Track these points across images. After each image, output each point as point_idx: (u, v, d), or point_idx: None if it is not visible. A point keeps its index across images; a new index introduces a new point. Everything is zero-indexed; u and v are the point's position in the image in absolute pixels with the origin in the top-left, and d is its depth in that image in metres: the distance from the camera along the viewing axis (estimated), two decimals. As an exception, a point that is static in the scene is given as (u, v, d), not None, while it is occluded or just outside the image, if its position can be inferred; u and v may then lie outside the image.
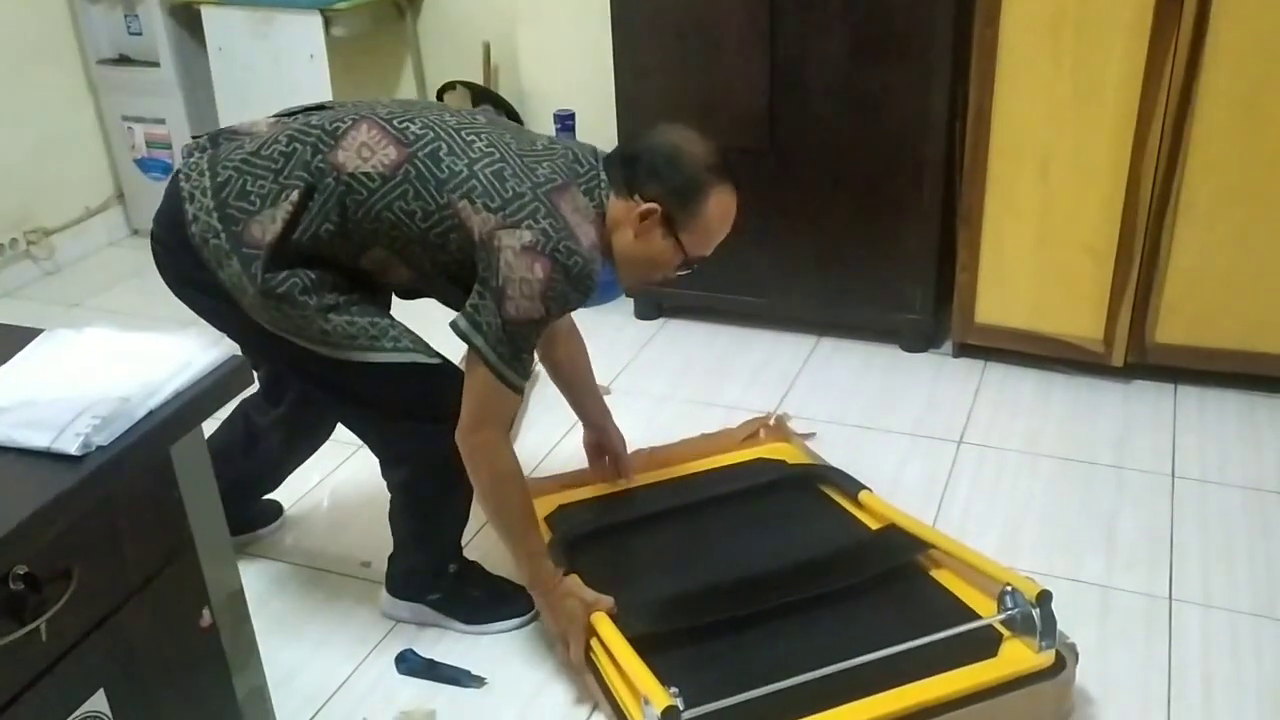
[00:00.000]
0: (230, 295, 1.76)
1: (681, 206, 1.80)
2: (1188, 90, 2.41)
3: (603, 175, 1.82)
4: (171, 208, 1.79)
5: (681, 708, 1.60)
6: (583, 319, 3.22)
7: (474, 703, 1.91)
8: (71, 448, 1.03)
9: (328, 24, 3.32)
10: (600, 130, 3.19)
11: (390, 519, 2.05)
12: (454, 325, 1.75)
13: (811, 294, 2.99)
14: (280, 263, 1.73)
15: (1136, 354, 2.70)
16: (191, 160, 1.80)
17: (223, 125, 3.49)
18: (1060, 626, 1.79)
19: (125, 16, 3.61)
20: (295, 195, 1.71)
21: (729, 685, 1.69)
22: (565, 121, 3.26)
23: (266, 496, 2.35)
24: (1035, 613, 1.77)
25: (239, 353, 1.21)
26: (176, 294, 1.87)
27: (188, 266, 1.78)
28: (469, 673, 1.96)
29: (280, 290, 1.73)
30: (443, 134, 1.74)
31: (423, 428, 1.85)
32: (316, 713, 1.90)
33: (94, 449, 1.04)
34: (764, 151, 2.85)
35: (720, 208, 1.84)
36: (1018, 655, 1.78)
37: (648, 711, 1.63)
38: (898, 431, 2.64)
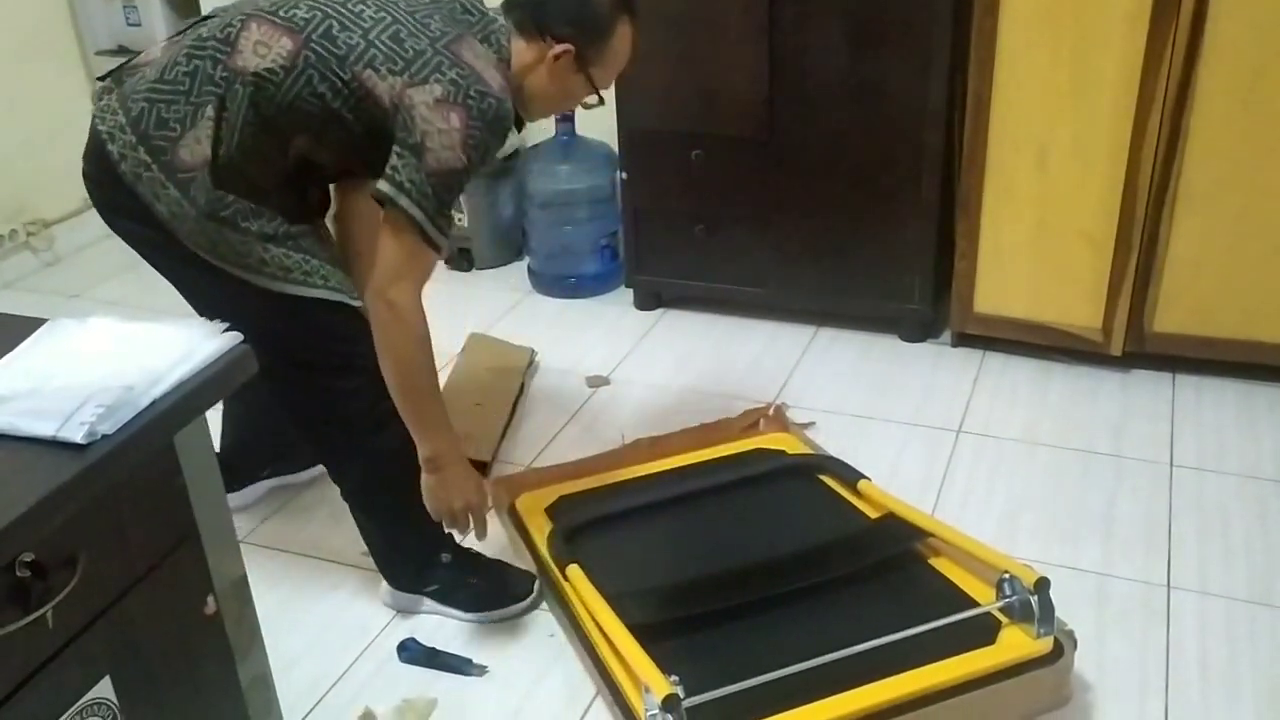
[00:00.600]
0: (167, 226, 1.78)
1: (591, 44, 1.86)
2: (1186, 78, 2.41)
3: (499, 21, 1.86)
4: (96, 149, 1.81)
5: (682, 695, 1.61)
6: (582, 309, 3.25)
7: (475, 691, 1.92)
8: (77, 436, 1.03)
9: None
10: (600, 121, 3.18)
11: (361, 531, 2.07)
12: (375, 191, 1.75)
13: (810, 284, 3.00)
14: (219, 183, 1.75)
15: (1135, 343, 2.70)
16: (103, 103, 1.82)
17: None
18: (1058, 613, 1.80)
19: (124, 7, 3.61)
20: (210, 110, 1.73)
21: (729, 673, 1.69)
22: (564, 114, 3.25)
23: None
24: (1033, 600, 1.78)
25: (242, 341, 1.21)
26: (110, 226, 1.88)
27: (122, 198, 1.80)
28: (470, 661, 1.97)
29: (224, 214, 1.76)
30: (330, 11, 1.76)
31: (363, 433, 1.89)
32: (319, 701, 1.91)
33: (99, 437, 1.05)
34: (763, 141, 2.86)
35: (625, 41, 1.90)
36: (1016, 642, 1.79)
37: (648, 699, 1.63)
38: (896, 421, 2.65)
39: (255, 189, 1.78)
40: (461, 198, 3.37)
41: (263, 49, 1.74)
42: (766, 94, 2.80)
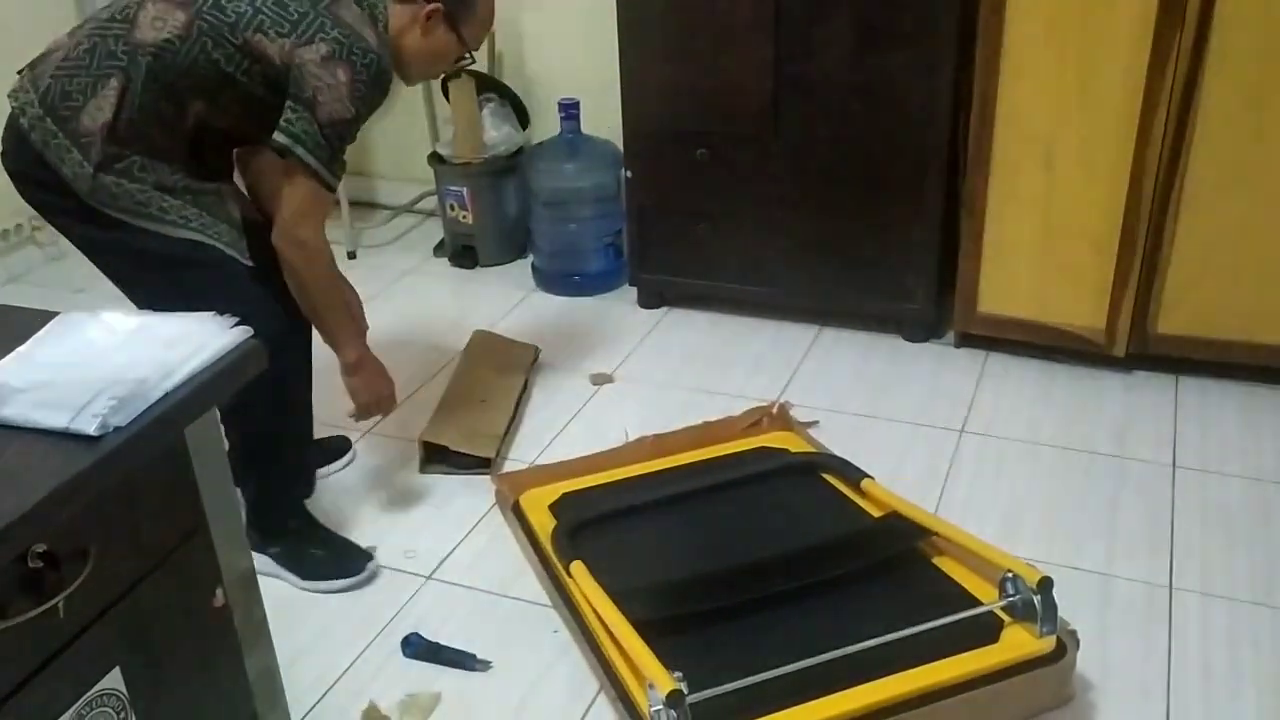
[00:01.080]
0: (72, 186, 1.90)
1: (459, 4, 2.07)
2: (1192, 80, 2.42)
3: None
4: (10, 124, 1.96)
5: (686, 691, 1.62)
6: (586, 307, 3.25)
7: (479, 686, 1.93)
8: (89, 428, 1.04)
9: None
10: (605, 118, 3.20)
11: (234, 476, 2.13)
12: (272, 142, 1.93)
13: (814, 283, 3.00)
14: (118, 142, 1.89)
15: (1138, 344, 2.71)
16: (17, 86, 1.97)
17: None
18: (1061, 613, 1.80)
19: (130, 2, 3.62)
20: (114, 81, 1.88)
21: (733, 670, 1.70)
22: (569, 110, 3.26)
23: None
24: (1036, 599, 1.78)
25: (254, 335, 1.22)
26: (26, 198, 2.00)
27: (33, 168, 1.93)
28: (474, 656, 1.97)
29: (119, 166, 1.90)
30: None
31: (246, 405, 1.90)
32: (323, 695, 1.92)
33: (111, 430, 1.05)
34: (768, 140, 2.86)
35: (490, 2, 2.15)
36: (1018, 641, 1.80)
37: (652, 695, 1.64)
38: (900, 420, 2.65)
39: (154, 149, 1.93)
40: (466, 195, 3.41)
41: (159, 23, 1.89)
42: (772, 93, 2.80)
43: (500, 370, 2.81)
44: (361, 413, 2.26)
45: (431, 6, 2.05)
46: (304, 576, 2.16)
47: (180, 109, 1.93)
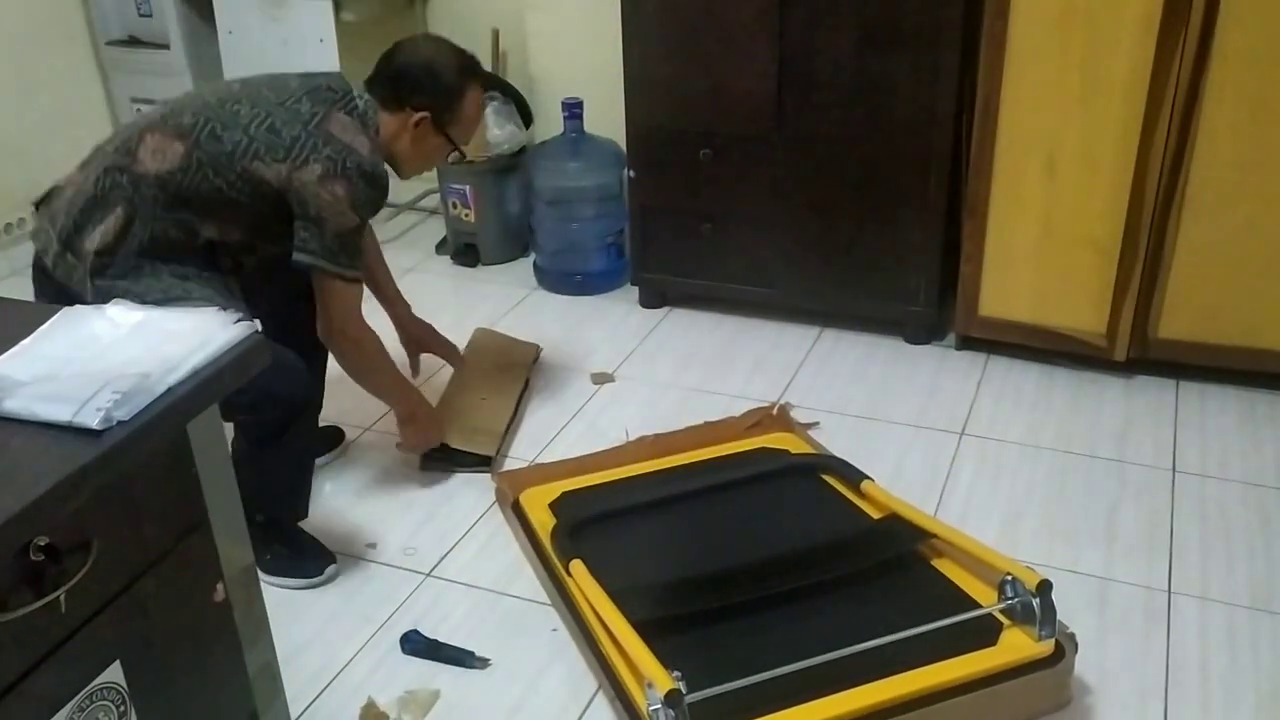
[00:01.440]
0: (89, 299, 1.94)
1: (446, 109, 2.19)
2: (1195, 86, 2.42)
3: (361, 96, 2.14)
4: (35, 264, 2.08)
5: (684, 691, 1.62)
6: (588, 306, 3.26)
7: (477, 684, 1.93)
8: (93, 422, 1.04)
9: (338, 8, 3.33)
10: (608, 118, 3.20)
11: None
12: (294, 262, 2.05)
13: (816, 284, 3.01)
14: (133, 257, 1.98)
15: (1139, 349, 2.71)
16: (36, 227, 2.09)
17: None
18: (1060, 616, 1.80)
19: (135, -2, 3.62)
20: (120, 210, 1.97)
21: (731, 670, 1.70)
22: (573, 110, 3.26)
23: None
24: (1035, 602, 1.79)
25: (257, 329, 1.22)
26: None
27: (60, 299, 1.97)
28: (473, 654, 1.98)
29: (138, 269, 1.98)
30: (211, 115, 2.02)
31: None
32: (322, 691, 1.92)
33: (114, 424, 1.05)
34: (771, 141, 2.86)
35: (475, 103, 2.24)
36: (1017, 644, 1.80)
37: (650, 695, 1.64)
38: (900, 422, 2.65)
39: (165, 261, 2.01)
40: (469, 193, 3.41)
41: (159, 155, 1.99)
42: (775, 94, 2.80)
43: (501, 368, 2.81)
44: (408, 450, 2.47)
45: (419, 115, 2.16)
46: (263, 571, 2.10)
47: (189, 232, 2.02)
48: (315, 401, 2.28)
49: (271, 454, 2.07)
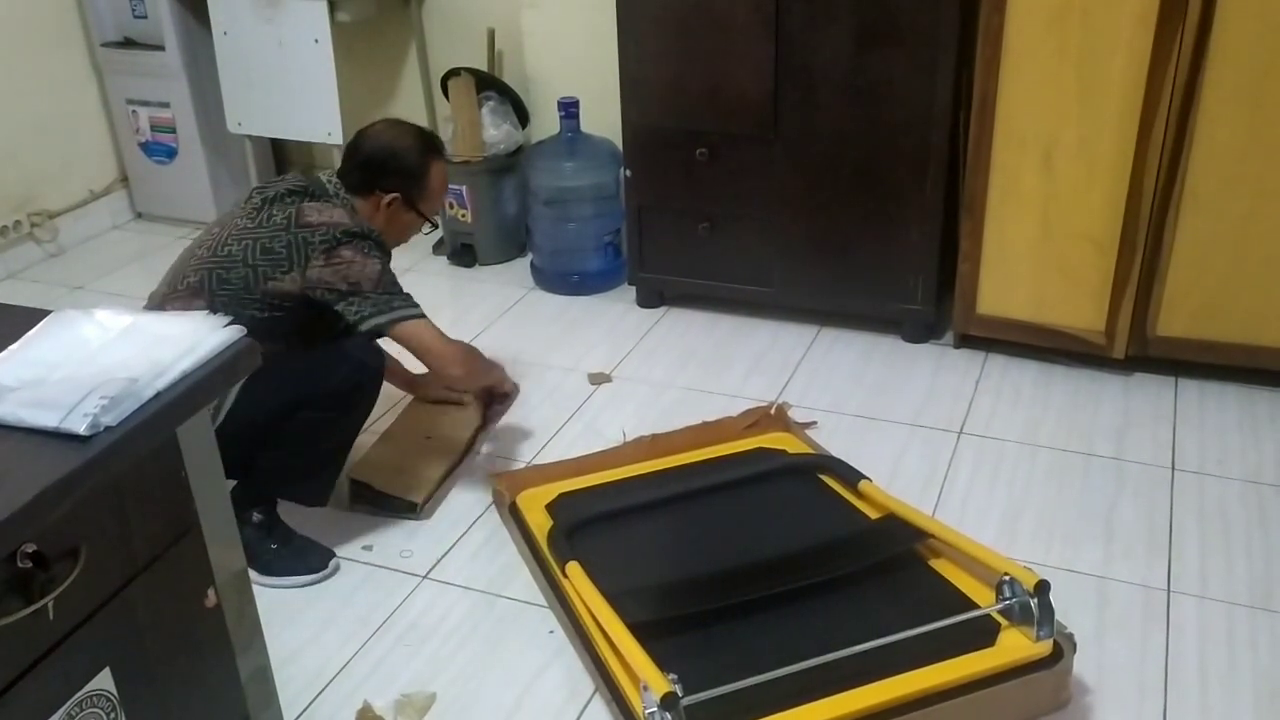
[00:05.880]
0: None
1: (413, 188, 2.31)
2: (1192, 82, 2.41)
3: (330, 180, 2.28)
4: None
5: (680, 694, 1.61)
6: (585, 306, 3.25)
7: (474, 686, 1.93)
8: (80, 427, 1.04)
9: (333, 9, 3.32)
10: (605, 117, 3.19)
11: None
12: (358, 331, 2.14)
13: (813, 283, 3.00)
14: None
15: (1138, 346, 2.70)
16: None
17: (226, 110, 3.50)
18: (1058, 616, 1.80)
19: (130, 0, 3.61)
20: None
21: (727, 672, 1.70)
22: (569, 109, 3.25)
23: None
24: (1033, 602, 1.78)
25: (246, 334, 1.21)
26: None
27: None
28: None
29: None
30: (209, 264, 2.14)
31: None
32: (318, 695, 1.92)
33: (102, 429, 1.05)
34: (768, 140, 2.85)
35: (440, 176, 2.36)
36: (1015, 644, 1.79)
37: (646, 697, 1.64)
38: (898, 421, 2.64)
39: None
40: (466, 193, 3.40)
41: (187, 314, 1.99)
42: (772, 92, 2.79)
43: (453, 418, 2.62)
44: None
45: (390, 197, 2.28)
46: (261, 571, 2.15)
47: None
48: (379, 369, 2.27)
49: (332, 427, 2.15)
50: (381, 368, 2.22)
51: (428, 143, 2.35)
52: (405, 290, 2.20)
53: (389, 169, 2.28)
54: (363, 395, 2.18)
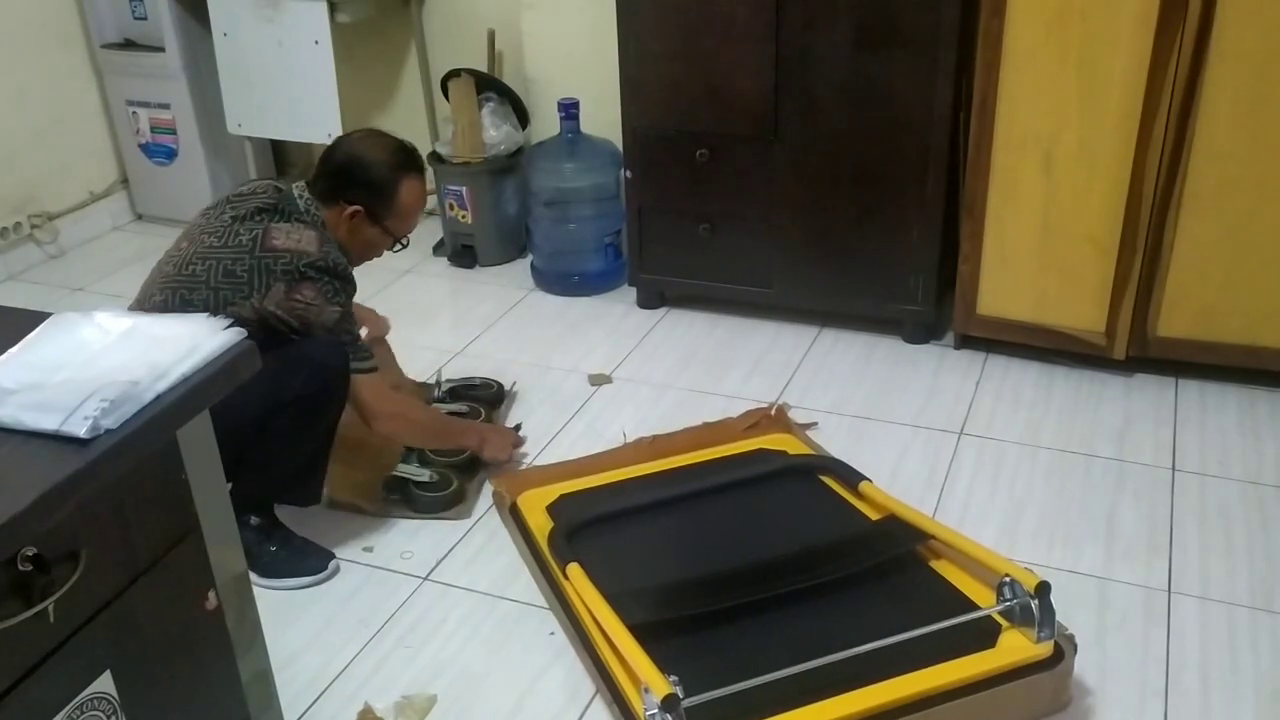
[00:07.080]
0: None
1: (378, 202, 2.22)
2: (1193, 83, 2.41)
3: (302, 195, 2.22)
4: None
5: (681, 695, 1.61)
6: (585, 307, 3.25)
7: (475, 688, 1.93)
8: (80, 430, 1.04)
9: (333, 10, 3.32)
10: (605, 118, 3.19)
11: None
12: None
13: (814, 284, 3.00)
14: None
15: (1138, 347, 2.70)
16: None
17: (226, 111, 3.50)
18: (1059, 617, 1.80)
19: (130, 1, 3.61)
20: None
21: (728, 673, 1.70)
22: (569, 110, 3.25)
23: None
24: (1034, 604, 1.78)
25: (247, 336, 1.21)
26: None
27: None
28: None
29: None
30: (177, 285, 2.11)
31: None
32: (318, 697, 1.91)
33: (102, 432, 1.05)
34: (768, 141, 2.85)
35: (412, 194, 2.26)
36: (1016, 646, 1.79)
37: (647, 699, 1.63)
38: (898, 422, 2.64)
39: None
40: (466, 194, 3.40)
41: (188, 317, 2.00)
42: (772, 94, 2.79)
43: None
44: (507, 460, 2.50)
45: (353, 209, 2.21)
46: (261, 574, 2.14)
47: None
48: (342, 368, 2.21)
49: (307, 432, 2.12)
50: (344, 365, 2.14)
51: (404, 158, 2.25)
52: (359, 340, 2.19)
53: (355, 180, 2.21)
54: (330, 397, 2.12)
